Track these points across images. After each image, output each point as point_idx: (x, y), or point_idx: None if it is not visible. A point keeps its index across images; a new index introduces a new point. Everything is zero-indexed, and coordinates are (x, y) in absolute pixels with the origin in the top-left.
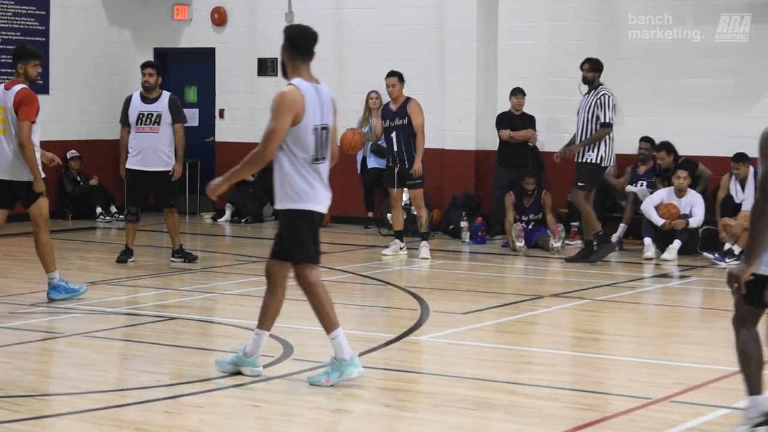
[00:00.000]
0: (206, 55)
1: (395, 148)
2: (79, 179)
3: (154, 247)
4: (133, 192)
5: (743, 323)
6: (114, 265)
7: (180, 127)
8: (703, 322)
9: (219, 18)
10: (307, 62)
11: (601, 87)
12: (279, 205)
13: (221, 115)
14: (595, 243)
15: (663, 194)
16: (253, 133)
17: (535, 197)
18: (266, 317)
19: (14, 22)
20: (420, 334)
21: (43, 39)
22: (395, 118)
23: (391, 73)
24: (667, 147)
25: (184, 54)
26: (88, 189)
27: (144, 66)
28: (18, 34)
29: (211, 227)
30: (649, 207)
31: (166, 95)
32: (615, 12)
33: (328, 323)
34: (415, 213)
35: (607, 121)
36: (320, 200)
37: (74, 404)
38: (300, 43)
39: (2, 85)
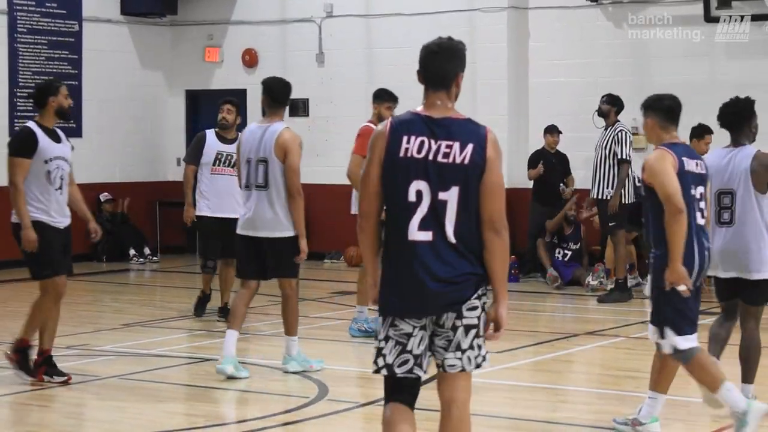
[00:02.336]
0: (238, 97)
1: None
2: (111, 222)
3: (186, 288)
4: (209, 241)
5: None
6: (147, 306)
7: None
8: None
9: (250, 60)
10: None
11: (618, 123)
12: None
13: None
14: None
15: None
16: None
17: (575, 227)
18: None
19: (47, 66)
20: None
21: (76, 83)
22: None
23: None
24: None
25: (216, 96)
26: (122, 220)
27: (222, 103)
28: (51, 77)
29: None
30: None
31: None
32: (645, 47)
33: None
34: None
35: (625, 157)
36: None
37: None
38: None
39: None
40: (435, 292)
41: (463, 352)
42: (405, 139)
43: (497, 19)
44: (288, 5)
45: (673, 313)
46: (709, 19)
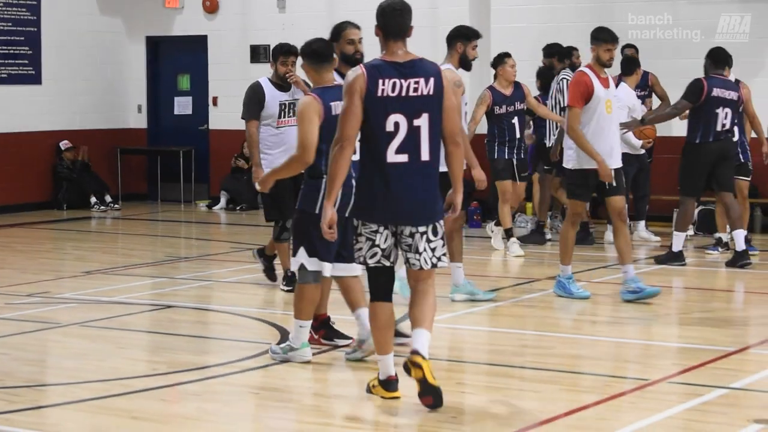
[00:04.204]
0: (198, 43)
1: (517, 135)
2: (71, 169)
3: (149, 236)
4: (282, 201)
5: None
6: (109, 254)
7: None
8: (697, 302)
9: (211, 5)
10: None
11: (563, 71)
12: None
13: (215, 103)
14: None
15: None
16: None
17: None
18: None
19: (5, 12)
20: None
21: (35, 29)
22: (514, 102)
23: (507, 54)
24: None
25: (176, 42)
26: (82, 167)
27: (285, 53)
28: (9, 24)
29: (206, 215)
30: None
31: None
32: (612, 12)
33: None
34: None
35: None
36: None
37: (72, 394)
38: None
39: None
40: (410, 205)
41: (420, 254)
42: (380, 81)
43: None
44: None
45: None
46: None
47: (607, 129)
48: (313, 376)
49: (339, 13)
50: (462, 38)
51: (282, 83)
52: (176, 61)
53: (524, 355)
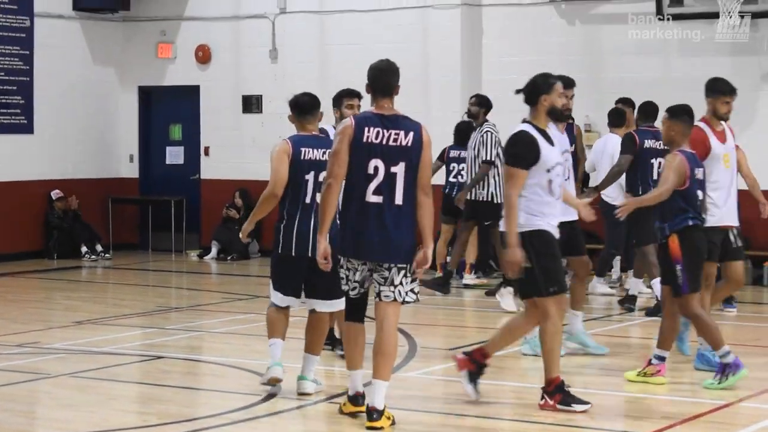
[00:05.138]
0: (191, 93)
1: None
2: (63, 219)
3: (139, 286)
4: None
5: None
6: (99, 304)
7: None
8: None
9: (203, 56)
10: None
11: (486, 124)
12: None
13: (206, 153)
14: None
15: None
16: (238, 170)
17: None
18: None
19: None
20: (408, 370)
21: (27, 79)
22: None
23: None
24: None
25: (168, 92)
26: (73, 217)
27: (350, 96)
28: (2, 73)
29: (197, 265)
30: None
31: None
32: (600, 43)
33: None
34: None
35: (488, 158)
36: None
37: None
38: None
39: None
40: (382, 242)
41: (395, 287)
42: (366, 129)
43: (451, 16)
44: (241, 1)
45: None
46: (662, 16)
47: (727, 184)
48: (303, 429)
49: (330, 64)
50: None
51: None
52: (168, 110)
53: (511, 408)
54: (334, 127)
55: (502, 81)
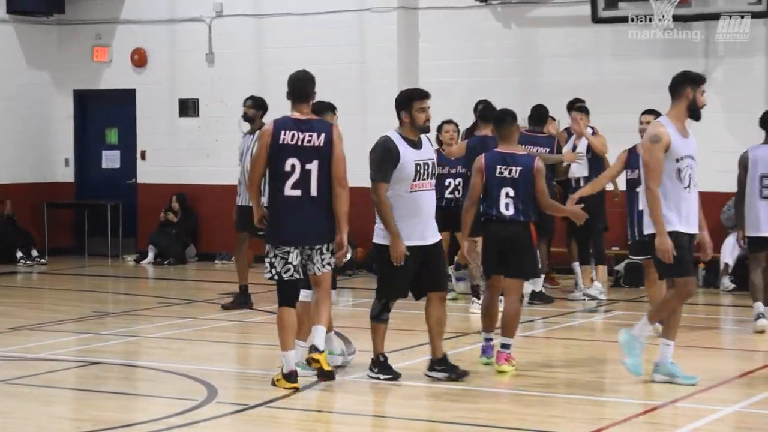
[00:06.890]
0: (127, 97)
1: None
2: None
3: (75, 291)
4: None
5: None
6: (34, 310)
7: None
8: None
9: (139, 59)
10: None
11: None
12: None
13: (143, 157)
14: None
15: None
16: (175, 175)
17: None
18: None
19: None
20: (349, 373)
21: None
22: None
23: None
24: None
25: (104, 95)
26: (8, 222)
27: (421, 98)
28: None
29: (134, 269)
30: None
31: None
32: (536, 46)
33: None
34: None
35: None
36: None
37: None
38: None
39: None
40: (305, 229)
41: (314, 264)
42: (283, 132)
43: (387, 20)
44: (177, 4)
45: None
46: (597, 20)
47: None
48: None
49: (267, 68)
50: (691, 83)
51: (416, 138)
52: (104, 114)
53: (448, 410)
54: (402, 135)
55: (439, 84)
